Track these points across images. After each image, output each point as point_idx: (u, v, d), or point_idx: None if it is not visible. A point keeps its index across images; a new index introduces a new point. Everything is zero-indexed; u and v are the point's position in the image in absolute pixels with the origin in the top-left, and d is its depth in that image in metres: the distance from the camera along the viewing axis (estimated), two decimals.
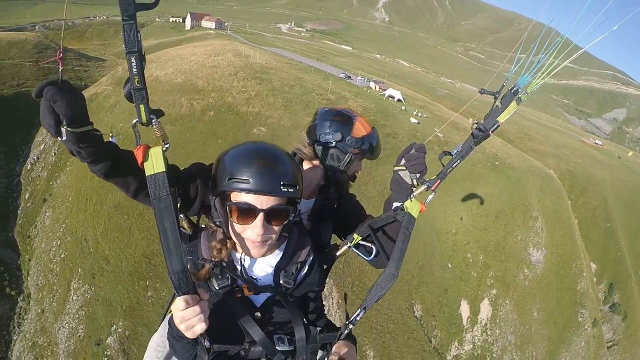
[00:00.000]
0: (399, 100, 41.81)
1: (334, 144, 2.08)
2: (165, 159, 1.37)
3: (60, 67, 1.29)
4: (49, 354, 22.85)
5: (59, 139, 1.30)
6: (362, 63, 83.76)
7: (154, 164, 1.34)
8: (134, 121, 1.33)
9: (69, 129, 1.27)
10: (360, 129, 2.12)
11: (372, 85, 48.21)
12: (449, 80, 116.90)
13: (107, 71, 47.09)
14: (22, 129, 34.46)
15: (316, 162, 2.16)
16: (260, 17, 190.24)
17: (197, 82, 32.88)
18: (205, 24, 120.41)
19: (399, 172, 1.97)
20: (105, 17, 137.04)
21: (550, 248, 28.32)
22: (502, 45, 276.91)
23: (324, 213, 2.16)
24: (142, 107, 1.30)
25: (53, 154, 30.91)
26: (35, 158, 32.24)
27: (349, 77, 51.32)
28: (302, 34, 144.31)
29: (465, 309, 23.67)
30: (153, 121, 1.34)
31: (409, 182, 1.92)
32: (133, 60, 1.22)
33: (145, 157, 1.35)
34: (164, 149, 1.38)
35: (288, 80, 34.31)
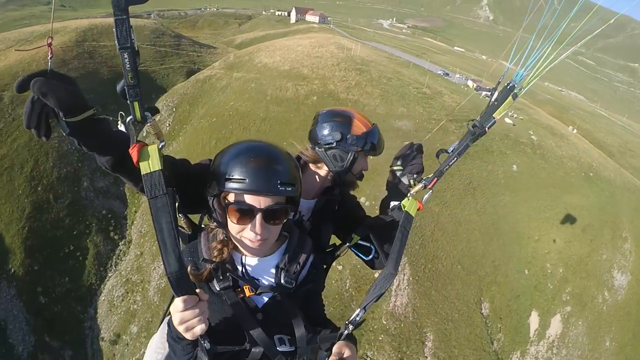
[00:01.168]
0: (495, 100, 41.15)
1: (334, 144, 2.07)
2: (161, 157, 1.34)
3: (49, 54, 1.25)
4: (140, 289, 25.60)
5: (63, 132, 1.26)
6: (462, 61, 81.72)
7: (150, 162, 1.31)
8: (128, 119, 1.30)
9: (67, 120, 1.23)
10: (359, 127, 2.12)
11: (470, 83, 47.80)
12: (554, 86, 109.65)
13: (218, 57, 51.18)
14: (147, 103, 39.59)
15: (320, 164, 2.16)
16: (362, 13, 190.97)
17: (302, 70, 35.47)
18: (309, 17, 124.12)
19: (396, 172, 2.07)
20: (214, 9, 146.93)
21: (637, 274, 25.74)
22: (614, 51, 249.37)
23: (325, 214, 2.16)
24: (136, 104, 1.27)
25: (167, 125, 34.53)
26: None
27: (447, 74, 51.17)
28: (403, 30, 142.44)
29: (534, 320, 22.28)
30: (147, 118, 1.32)
31: (406, 182, 2.00)
32: (126, 55, 1.20)
33: (141, 155, 1.31)
34: (160, 146, 1.35)
35: (386, 72, 35.65)
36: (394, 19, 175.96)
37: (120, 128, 1.38)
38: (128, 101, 1.26)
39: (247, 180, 1.35)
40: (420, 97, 31.18)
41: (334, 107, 2.26)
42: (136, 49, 1.22)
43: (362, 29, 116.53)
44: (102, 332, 25.78)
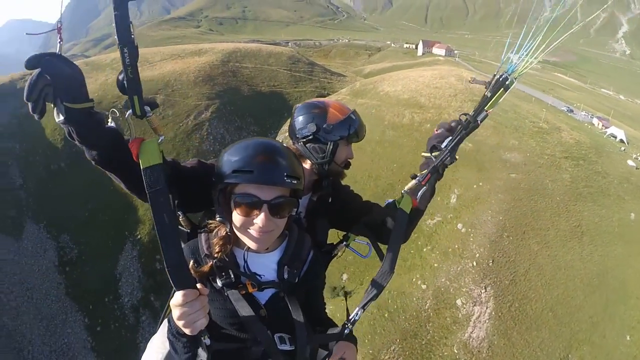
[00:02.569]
0: (621, 140, 37.10)
1: (311, 136, 2.03)
2: (161, 152, 1.34)
3: (58, 39, 1.24)
4: None
5: (57, 118, 1.26)
6: (591, 98, 74.40)
7: (150, 156, 1.31)
8: (127, 113, 1.30)
9: (67, 104, 1.22)
10: (334, 114, 2.06)
11: (595, 121, 43.90)
12: None
13: (346, 85, 54.37)
14: (273, 118, 43.67)
15: (302, 159, 2.09)
16: (490, 46, 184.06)
17: (420, 99, 36.69)
18: (436, 50, 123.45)
19: (432, 158, 1.91)
20: (347, 40, 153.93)
21: None
22: None
23: (319, 209, 2.13)
24: (135, 98, 1.27)
25: None
26: (279, 140, 41.33)
27: (571, 111, 47.59)
28: (533, 65, 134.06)
29: None
30: (147, 113, 1.31)
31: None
32: (125, 50, 1.19)
33: (140, 150, 1.31)
34: (159, 141, 1.36)
35: (503, 104, 34.69)
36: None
37: (111, 124, 1.40)
38: (127, 95, 1.26)
39: (254, 172, 1.34)
40: (535, 131, 30.23)
41: (310, 100, 2.21)
42: (135, 44, 1.22)
43: (490, 63, 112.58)
44: None
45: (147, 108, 1.31)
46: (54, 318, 31.44)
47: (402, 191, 1.88)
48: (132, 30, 1.19)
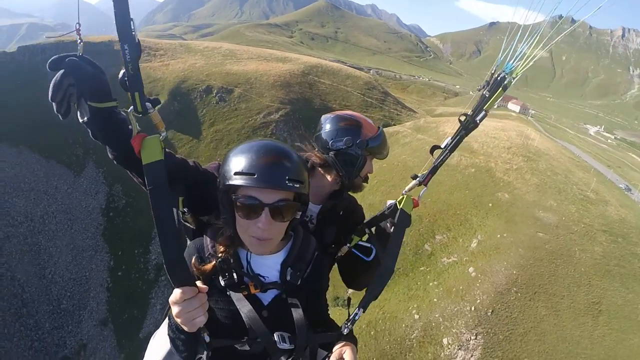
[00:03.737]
0: None
1: (345, 149, 2.00)
2: (162, 148, 1.32)
3: (78, 40, 1.22)
4: None
5: (80, 119, 1.26)
6: None
7: (151, 152, 1.29)
8: (129, 109, 1.26)
9: (92, 103, 1.22)
10: (368, 130, 2.07)
11: None
12: None
13: (413, 120, 54.00)
14: None
15: (328, 169, 2.08)
16: (570, 113, 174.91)
17: (473, 144, 35.59)
18: (511, 105, 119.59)
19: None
20: (427, 79, 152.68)
21: None
22: None
23: (330, 218, 2.11)
24: (136, 94, 1.23)
25: None
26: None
27: (629, 189, 43.79)
28: (608, 141, 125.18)
29: None
30: (148, 109, 1.28)
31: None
32: (126, 47, 1.16)
33: (142, 146, 1.29)
34: (161, 137, 1.33)
35: (556, 167, 33.20)
36: (602, 126, 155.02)
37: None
38: (128, 92, 1.22)
39: (256, 174, 1.29)
40: (579, 198, 28.23)
41: (339, 112, 2.16)
42: (136, 41, 1.18)
43: (563, 129, 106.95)
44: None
45: (149, 105, 1.29)
46: (83, 251, 33.51)
47: (403, 192, 1.89)
48: (133, 27, 1.17)
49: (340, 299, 21.98)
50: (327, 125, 2.09)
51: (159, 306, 32.25)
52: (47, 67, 1.17)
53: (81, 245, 33.47)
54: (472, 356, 17.38)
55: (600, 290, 20.69)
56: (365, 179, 2.18)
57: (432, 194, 28.49)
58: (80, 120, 1.27)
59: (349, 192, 2.23)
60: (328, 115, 2.15)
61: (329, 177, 2.09)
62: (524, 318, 18.62)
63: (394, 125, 48.94)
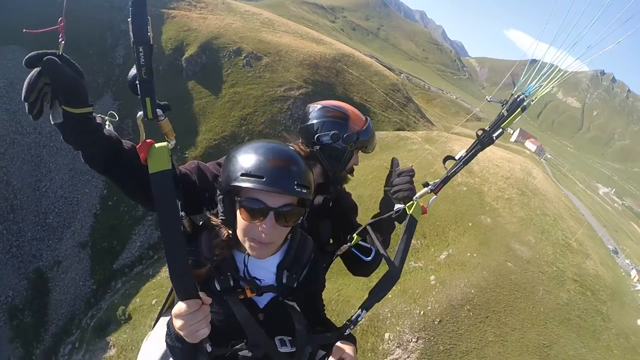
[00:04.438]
0: None
1: (331, 142, 1.94)
2: (170, 157, 1.26)
3: (60, 37, 1.11)
4: None
5: (52, 121, 1.15)
6: None
7: (159, 161, 1.22)
8: (138, 114, 1.19)
9: (66, 108, 1.13)
10: (356, 123, 2.00)
11: (634, 272, 39.58)
12: None
13: (427, 130, 53.80)
14: None
15: (313, 162, 1.99)
16: (585, 168, 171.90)
17: (474, 166, 35.34)
18: (528, 144, 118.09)
19: (388, 193, 1.95)
20: (454, 97, 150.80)
21: None
22: None
23: (321, 212, 2.05)
24: (147, 100, 1.16)
25: None
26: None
27: (616, 252, 43.22)
28: (615, 205, 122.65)
29: None
30: (159, 116, 1.22)
31: (396, 206, 1.88)
32: (141, 49, 1.09)
33: (149, 153, 1.22)
34: (170, 146, 1.28)
35: (547, 209, 32.94)
36: (613, 190, 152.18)
37: (108, 129, 1.32)
38: (139, 97, 1.16)
39: (264, 177, 1.23)
40: (560, 243, 28.06)
41: (326, 102, 2.08)
42: (151, 43, 1.11)
43: (573, 180, 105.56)
44: None
45: (159, 111, 1.22)
46: (81, 174, 34.66)
47: (414, 198, 1.84)
48: (149, 29, 1.10)
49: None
50: (312, 117, 2.01)
51: (138, 243, 33.00)
52: (24, 63, 1.07)
53: (80, 168, 33.99)
54: (408, 357, 17.56)
55: (555, 335, 20.56)
56: (351, 171, 2.14)
57: (420, 201, 28.53)
58: (53, 122, 1.16)
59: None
60: (314, 105, 2.07)
61: (316, 171, 1.99)
62: (470, 337, 18.67)
63: (408, 131, 48.76)
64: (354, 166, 2.13)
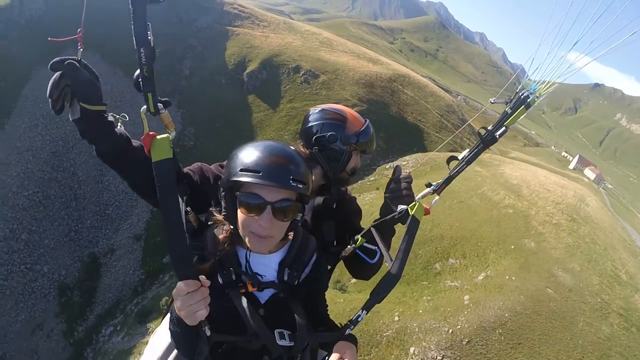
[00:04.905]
0: None
1: (329, 145, 1.95)
2: (172, 147, 1.34)
3: (79, 46, 1.25)
4: None
5: (71, 117, 1.29)
6: None
7: (161, 151, 1.31)
8: (142, 109, 1.31)
9: (84, 105, 1.26)
10: (354, 124, 2.00)
11: None
12: None
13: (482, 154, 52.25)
14: (402, 146, 42.48)
15: (313, 164, 1.99)
16: None
17: (523, 190, 33.72)
18: (587, 172, 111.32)
19: (387, 200, 1.94)
20: (519, 125, 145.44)
21: None
22: None
23: (325, 212, 2.07)
24: (149, 95, 1.28)
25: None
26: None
27: None
28: None
29: None
30: (160, 110, 1.32)
31: (395, 210, 1.86)
32: (142, 50, 1.20)
33: (152, 144, 1.31)
34: (170, 137, 1.36)
35: (598, 238, 30.87)
36: None
37: (120, 128, 1.42)
38: (142, 92, 1.28)
39: (261, 172, 1.29)
40: (608, 274, 26.19)
41: (326, 105, 2.11)
42: (152, 45, 1.22)
43: (634, 213, 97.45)
44: None
45: (160, 105, 1.33)
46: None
47: (416, 198, 1.84)
48: (149, 32, 1.21)
49: (340, 282, 22.39)
50: (312, 119, 2.04)
51: None
52: (49, 67, 1.21)
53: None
54: None
55: None
56: (352, 173, 2.11)
57: (464, 221, 27.88)
58: (71, 118, 1.30)
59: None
60: (314, 108, 2.10)
61: (316, 172, 2.00)
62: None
63: (459, 151, 47.28)
64: (355, 168, 2.11)
